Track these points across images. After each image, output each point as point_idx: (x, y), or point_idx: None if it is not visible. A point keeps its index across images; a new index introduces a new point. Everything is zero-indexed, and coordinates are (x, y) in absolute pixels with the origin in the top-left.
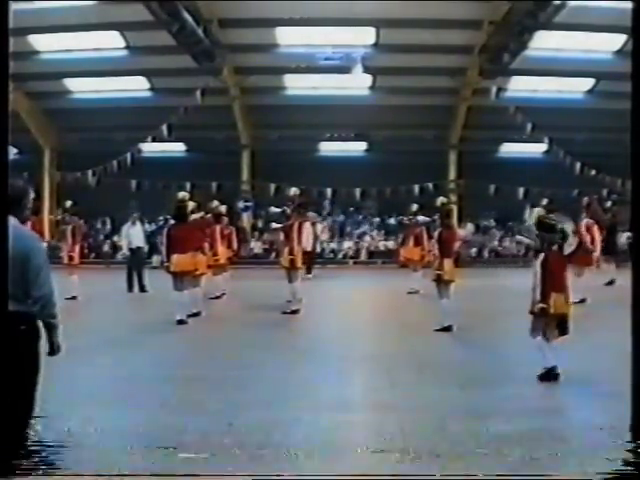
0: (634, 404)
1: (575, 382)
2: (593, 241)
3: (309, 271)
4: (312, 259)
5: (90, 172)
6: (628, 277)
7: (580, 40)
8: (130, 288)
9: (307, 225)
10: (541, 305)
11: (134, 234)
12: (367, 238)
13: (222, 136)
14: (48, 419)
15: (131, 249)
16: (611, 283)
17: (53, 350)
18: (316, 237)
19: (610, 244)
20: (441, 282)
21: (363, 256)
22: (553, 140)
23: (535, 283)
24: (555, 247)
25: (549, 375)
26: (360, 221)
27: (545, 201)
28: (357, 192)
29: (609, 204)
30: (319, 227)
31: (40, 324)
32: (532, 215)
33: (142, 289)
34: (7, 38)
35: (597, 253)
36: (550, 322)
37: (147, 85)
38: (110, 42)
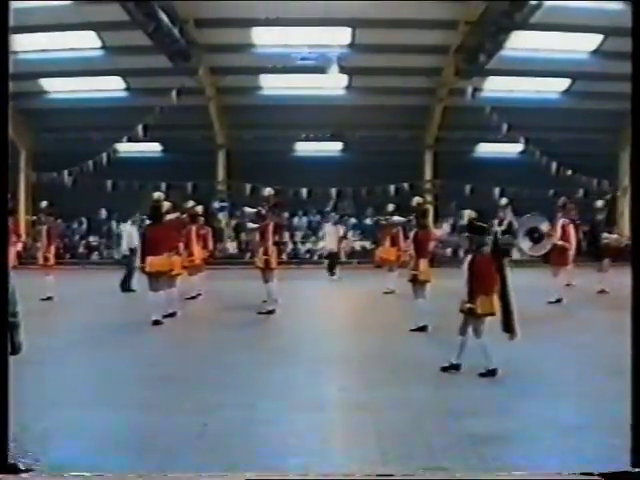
0: (634, 406)
1: (551, 381)
2: (568, 241)
3: (332, 272)
4: (337, 260)
5: (66, 172)
6: (586, 278)
7: (556, 40)
8: (125, 288)
9: (329, 225)
10: (469, 305)
11: (135, 235)
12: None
13: (198, 136)
14: (24, 419)
15: (130, 249)
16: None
17: (14, 349)
18: (340, 238)
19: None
20: (417, 282)
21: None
22: (529, 140)
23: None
24: (485, 249)
25: (451, 367)
26: (336, 221)
27: (503, 200)
28: (333, 192)
29: (562, 200)
30: (341, 228)
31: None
32: (463, 217)
33: (128, 288)
34: (7, 38)
35: (572, 251)
36: (479, 321)
37: (123, 85)
38: (86, 42)
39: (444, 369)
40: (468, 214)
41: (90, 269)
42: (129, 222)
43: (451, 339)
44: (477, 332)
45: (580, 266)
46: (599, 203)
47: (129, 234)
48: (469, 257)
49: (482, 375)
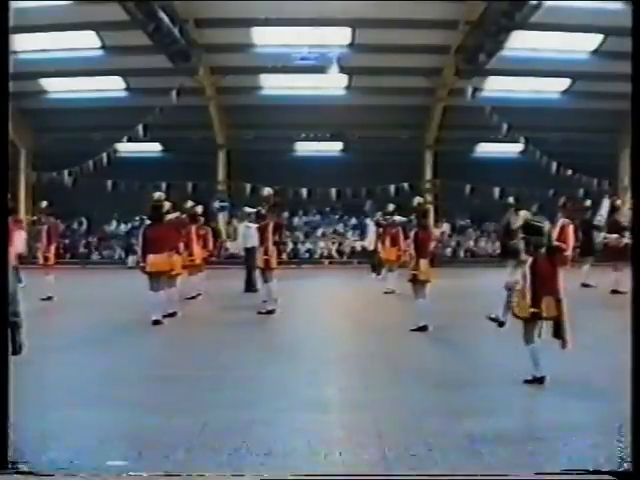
0: (634, 406)
1: (550, 382)
2: (566, 241)
3: (378, 272)
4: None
5: (66, 172)
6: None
7: (556, 40)
8: (249, 287)
9: (372, 225)
10: (533, 310)
11: (248, 234)
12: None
13: (198, 136)
14: (25, 419)
15: (246, 248)
16: (587, 285)
17: (16, 349)
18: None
19: (586, 245)
20: (417, 282)
21: (338, 256)
22: (529, 140)
23: (524, 287)
24: (543, 250)
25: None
26: (336, 221)
27: (511, 199)
28: (333, 192)
29: (589, 203)
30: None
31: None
32: (518, 218)
33: (252, 289)
34: (7, 38)
35: (569, 252)
36: (535, 325)
37: (123, 85)
38: (86, 42)
39: (527, 382)
40: (523, 215)
41: (90, 269)
42: (245, 222)
43: (451, 338)
44: (530, 336)
45: (597, 266)
46: (618, 202)
47: (244, 233)
48: (530, 259)
49: (528, 382)
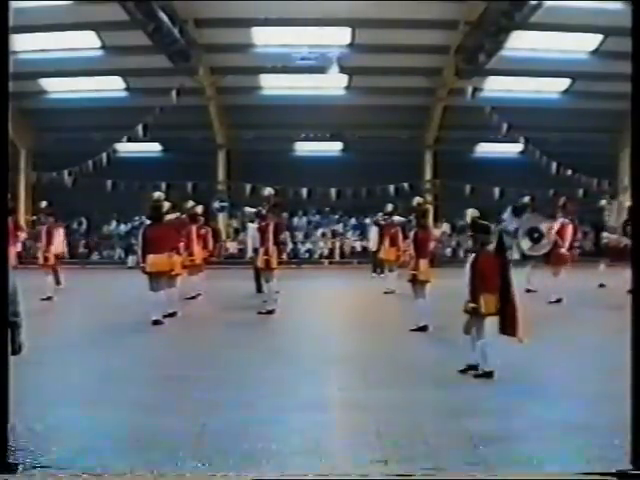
0: (634, 406)
1: (547, 382)
2: (564, 238)
3: (379, 271)
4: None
5: (66, 172)
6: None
7: (556, 40)
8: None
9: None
10: (472, 305)
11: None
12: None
13: (198, 136)
14: (25, 419)
15: (255, 249)
16: (602, 285)
17: (15, 349)
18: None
19: (598, 245)
20: (417, 282)
21: (338, 256)
22: (529, 140)
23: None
24: (490, 247)
25: (474, 372)
26: (335, 221)
27: (526, 198)
28: (333, 192)
29: (603, 202)
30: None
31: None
32: (465, 216)
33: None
34: (7, 38)
35: (565, 250)
36: (481, 321)
37: (123, 85)
38: (86, 42)
39: (462, 372)
40: (471, 213)
41: (90, 269)
42: (255, 223)
43: (451, 338)
44: (479, 332)
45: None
46: (627, 203)
47: (253, 235)
48: (472, 256)
49: (477, 376)
